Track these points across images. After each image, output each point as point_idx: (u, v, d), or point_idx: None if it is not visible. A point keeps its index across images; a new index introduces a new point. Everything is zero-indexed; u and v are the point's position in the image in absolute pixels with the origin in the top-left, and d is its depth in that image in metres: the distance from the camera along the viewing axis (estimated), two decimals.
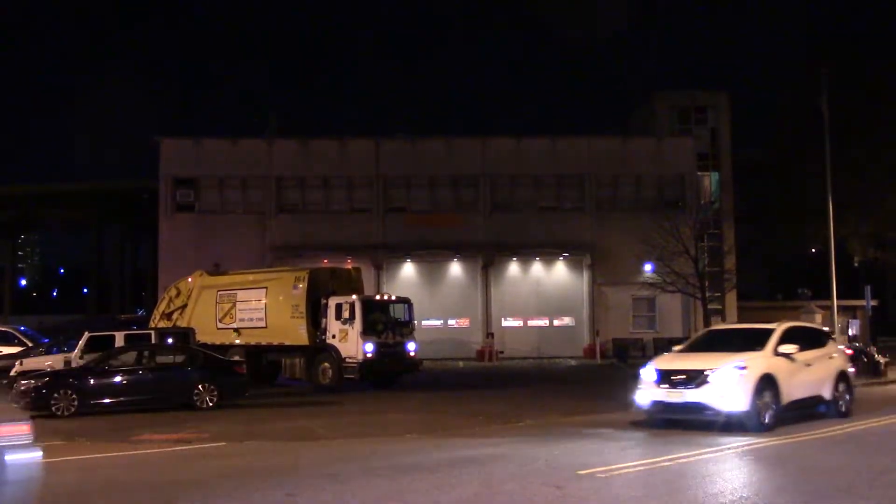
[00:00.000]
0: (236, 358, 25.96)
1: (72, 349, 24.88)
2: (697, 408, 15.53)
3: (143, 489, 11.14)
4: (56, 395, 19.68)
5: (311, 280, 28.40)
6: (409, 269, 46.18)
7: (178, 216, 45.05)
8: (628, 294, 45.15)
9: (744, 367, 15.45)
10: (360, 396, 25.28)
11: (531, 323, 46.01)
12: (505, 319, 45.63)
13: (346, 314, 27.18)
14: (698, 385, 15.41)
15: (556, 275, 46.70)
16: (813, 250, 50.68)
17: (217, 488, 10.94)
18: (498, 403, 22.16)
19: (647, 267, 43.21)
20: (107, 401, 20.25)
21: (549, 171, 46.04)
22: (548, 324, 46.10)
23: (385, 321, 27.86)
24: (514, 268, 46.55)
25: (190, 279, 32.44)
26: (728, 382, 15.30)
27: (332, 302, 27.73)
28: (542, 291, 46.34)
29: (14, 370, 24.29)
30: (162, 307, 33.01)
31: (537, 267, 46.61)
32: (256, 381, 26.50)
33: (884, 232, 50.50)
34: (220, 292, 31.02)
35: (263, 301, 29.53)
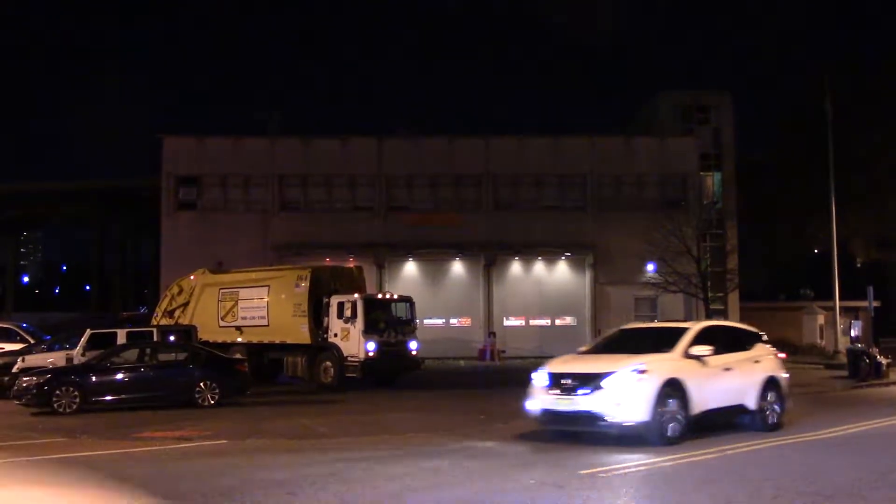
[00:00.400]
0: (238, 356, 26.01)
1: (74, 346, 24.88)
2: (589, 417, 13.63)
3: (144, 486, 11.14)
4: (58, 392, 19.69)
5: (313, 278, 28.35)
6: (410, 268, 46.19)
7: (181, 214, 45.10)
8: (630, 294, 45.13)
9: (643, 371, 13.62)
10: (361, 395, 25.22)
11: (533, 322, 46.01)
12: (507, 319, 45.65)
13: (348, 313, 27.14)
14: (592, 391, 13.56)
15: (558, 274, 46.70)
16: (815, 251, 50.66)
17: (218, 486, 10.94)
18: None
19: (650, 267, 43.21)
20: (108, 398, 20.27)
21: (552, 171, 46.03)
22: (550, 323, 46.09)
23: (387, 320, 27.79)
24: (516, 267, 46.54)
25: (192, 277, 32.45)
26: (624, 388, 13.44)
27: (335, 300, 27.70)
28: (544, 291, 46.34)
29: (16, 367, 24.26)
30: (164, 305, 33.02)
31: (539, 266, 46.61)
32: (258, 379, 26.43)
33: (887, 233, 50.50)
34: (222, 290, 31.00)
35: (266, 299, 29.52)
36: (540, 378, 14.43)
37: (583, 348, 16.70)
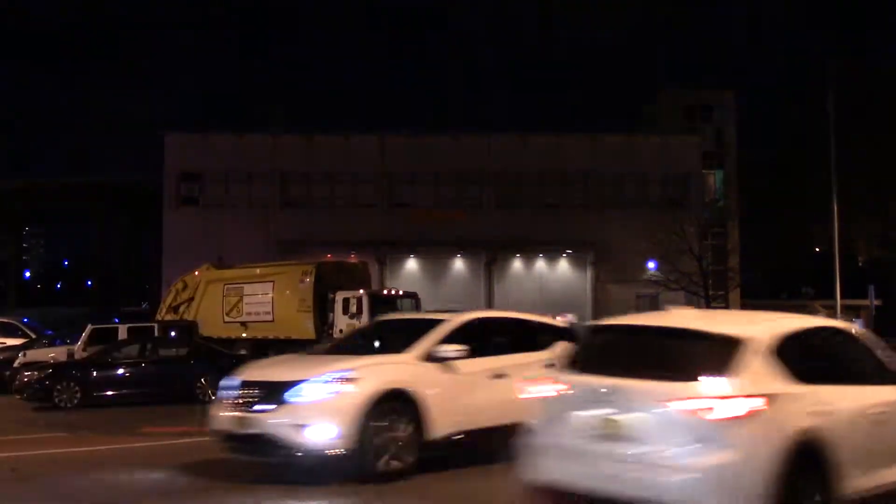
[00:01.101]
0: (242, 352, 26.04)
1: (75, 341, 24.92)
2: (268, 442, 10.06)
3: (145, 482, 11.16)
4: (59, 386, 19.72)
5: (318, 274, 28.30)
6: (412, 265, 46.21)
7: (183, 209, 45.15)
8: (632, 292, 45.10)
9: (347, 380, 10.03)
10: None
11: None
12: None
13: (353, 308, 27.01)
14: (274, 406, 10.02)
15: (559, 272, 46.72)
16: (817, 249, 50.64)
17: (218, 481, 10.93)
18: None
19: (651, 265, 43.21)
20: (109, 393, 20.29)
21: (554, 168, 46.02)
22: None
23: None
24: (517, 265, 46.55)
25: (197, 273, 32.45)
26: (316, 403, 9.94)
27: (340, 296, 27.56)
28: (546, 288, 46.32)
29: (17, 362, 24.31)
30: (169, 300, 33.06)
31: (541, 264, 46.62)
32: None
33: (889, 231, 50.49)
34: (226, 286, 30.95)
35: (270, 295, 29.43)
36: (228, 387, 10.73)
37: (322, 346, 14.47)
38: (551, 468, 7.40)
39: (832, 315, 35.56)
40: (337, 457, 9.86)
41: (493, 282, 45.58)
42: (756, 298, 50.66)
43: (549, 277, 46.59)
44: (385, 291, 30.10)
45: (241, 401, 10.38)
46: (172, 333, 26.16)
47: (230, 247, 42.08)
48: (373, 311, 26.84)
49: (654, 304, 45.27)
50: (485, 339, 11.75)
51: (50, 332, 30.03)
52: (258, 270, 31.46)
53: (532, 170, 45.91)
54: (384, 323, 14.12)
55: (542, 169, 45.93)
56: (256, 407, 10.16)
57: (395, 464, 10.10)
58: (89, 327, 25.31)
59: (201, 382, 20.94)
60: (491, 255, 45.20)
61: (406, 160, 45.81)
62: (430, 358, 10.73)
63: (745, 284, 45.84)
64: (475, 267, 46.16)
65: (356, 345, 12.80)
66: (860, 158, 45.63)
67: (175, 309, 32.31)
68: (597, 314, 44.71)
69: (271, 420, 10.00)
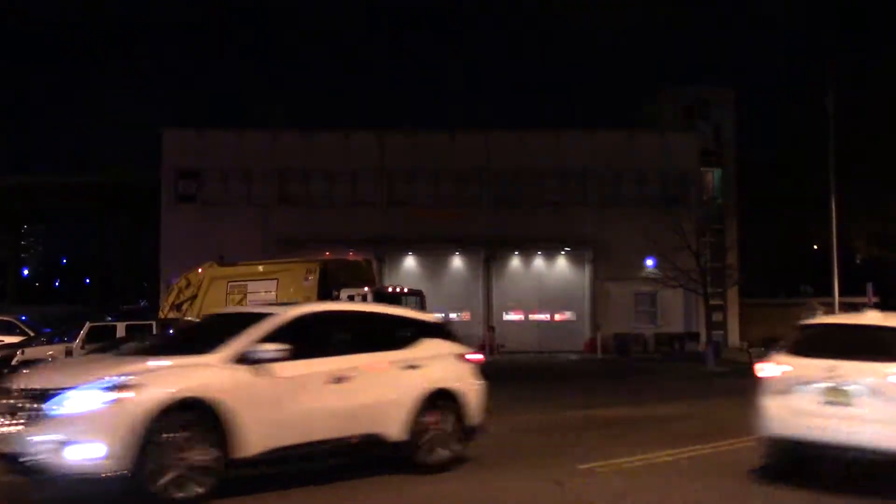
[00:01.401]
0: None
1: (73, 339, 24.91)
2: (26, 462, 8.39)
3: None
4: None
5: (322, 272, 27.95)
6: (410, 263, 46.21)
7: (181, 207, 45.09)
8: (630, 289, 45.14)
9: (124, 387, 8.45)
10: None
11: (532, 317, 46.03)
12: (506, 313, 45.67)
13: None
14: (35, 420, 8.46)
15: (557, 269, 46.73)
16: (816, 247, 50.68)
17: None
18: None
19: (649, 262, 43.21)
20: None
21: (553, 166, 46.00)
22: (549, 318, 46.10)
23: None
24: (515, 262, 46.57)
25: (200, 270, 32.21)
26: (83, 416, 8.32)
27: (344, 294, 27.13)
28: (544, 286, 46.34)
29: (16, 359, 24.30)
30: (172, 298, 32.83)
31: (539, 261, 46.63)
32: None
33: (887, 229, 50.50)
34: (230, 283, 30.61)
35: (274, 293, 28.97)
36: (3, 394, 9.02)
37: (135, 344, 13.02)
38: (789, 425, 10.17)
39: (829, 312, 35.54)
40: (111, 479, 8.23)
41: (492, 279, 45.60)
42: (754, 296, 50.74)
43: (547, 275, 46.59)
44: (390, 289, 29.60)
45: (7, 412, 8.70)
46: (171, 331, 26.13)
47: (229, 245, 42.07)
48: None
49: (653, 302, 45.35)
50: (322, 336, 10.30)
51: (48, 330, 30.01)
52: (261, 268, 31.14)
53: (530, 167, 45.89)
54: (215, 318, 12.69)
55: (540, 166, 45.91)
56: (17, 420, 8.56)
57: (193, 488, 8.53)
58: (87, 325, 25.31)
59: None
60: (489, 252, 45.20)
61: (405, 158, 45.80)
62: (243, 359, 9.19)
63: (743, 282, 45.87)
64: (474, 265, 46.18)
65: (171, 344, 11.42)
66: (859, 157, 45.63)
67: (178, 307, 32.07)
68: (595, 312, 44.79)
69: (28, 437, 8.39)
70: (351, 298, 26.80)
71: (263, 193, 45.38)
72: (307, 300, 27.45)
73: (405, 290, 29.75)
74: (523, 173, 46.00)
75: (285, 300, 28.32)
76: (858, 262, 50.76)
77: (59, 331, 28.08)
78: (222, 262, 34.17)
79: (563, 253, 46.28)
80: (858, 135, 45.63)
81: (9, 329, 30.14)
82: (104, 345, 22.09)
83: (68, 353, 23.68)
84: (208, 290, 31.10)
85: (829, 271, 42.27)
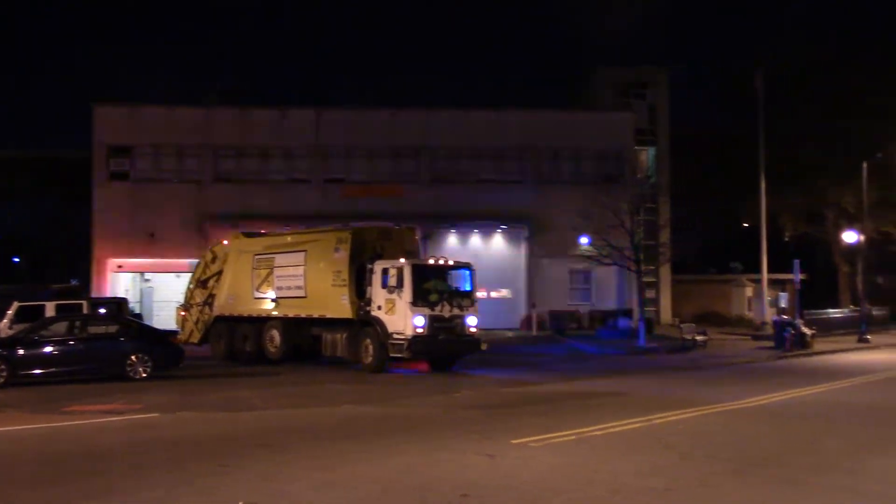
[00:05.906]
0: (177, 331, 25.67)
1: (1, 319, 24.43)
2: None
3: (72, 460, 11.05)
4: None
5: (355, 242, 24.73)
6: None
7: (113, 184, 44.17)
8: (566, 266, 45.55)
9: None
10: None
11: None
12: None
13: (393, 281, 23.16)
14: None
15: (494, 247, 46.97)
16: (745, 225, 51.83)
17: (148, 459, 10.90)
18: None
19: (584, 240, 43.65)
20: (37, 371, 19.96)
21: (492, 143, 46.10)
22: (486, 296, 46.28)
23: (440, 290, 23.63)
24: (452, 239, 46.65)
25: (226, 242, 29.63)
26: None
27: (378, 266, 23.76)
28: (481, 263, 46.13)
29: None
30: (198, 273, 30.08)
31: (476, 238, 46.81)
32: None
33: (814, 207, 51.89)
34: (256, 257, 27.54)
35: (302, 267, 25.96)
36: None
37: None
38: None
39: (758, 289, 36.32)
40: None
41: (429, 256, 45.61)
42: (686, 273, 51.75)
43: (484, 252, 46.73)
44: (432, 261, 25.36)
45: None
46: (102, 311, 25.80)
47: (161, 221, 41.55)
48: (416, 284, 23.20)
49: (588, 279, 45.92)
50: None
51: None
52: (290, 238, 28.09)
53: (469, 145, 45.94)
54: None
55: (479, 144, 45.99)
56: None
57: None
58: (15, 304, 24.83)
59: (132, 359, 20.74)
60: (427, 229, 45.13)
61: (342, 135, 45.47)
62: None
63: (675, 259, 46.68)
64: None
65: None
66: (787, 137, 46.72)
67: (204, 283, 29.34)
68: (531, 289, 45.22)
69: None
70: (385, 271, 23.48)
71: (197, 170, 44.68)
72: (338, 275, 24.59)
73: (450, 262, 25.77)
74: (462, 150, 46.07)
75: (314, 276, 25.58)
76: (787, 239, 52.05)
77: None
78: (250, 232, 30.70)
79: (499, 230, 46.51)
80: (786, 115, 46.70)
81: None
82: (33, 325, 21.74)
83: None
84: (235, 264, 28.20)
85: (758, 248, 43.40)
